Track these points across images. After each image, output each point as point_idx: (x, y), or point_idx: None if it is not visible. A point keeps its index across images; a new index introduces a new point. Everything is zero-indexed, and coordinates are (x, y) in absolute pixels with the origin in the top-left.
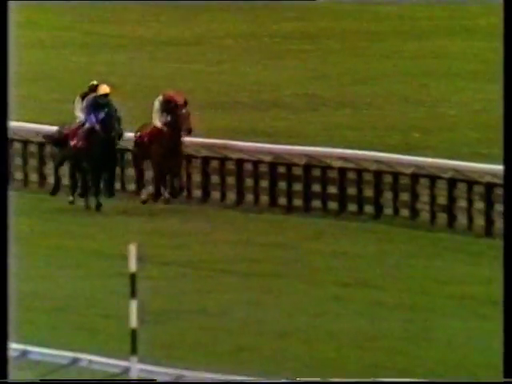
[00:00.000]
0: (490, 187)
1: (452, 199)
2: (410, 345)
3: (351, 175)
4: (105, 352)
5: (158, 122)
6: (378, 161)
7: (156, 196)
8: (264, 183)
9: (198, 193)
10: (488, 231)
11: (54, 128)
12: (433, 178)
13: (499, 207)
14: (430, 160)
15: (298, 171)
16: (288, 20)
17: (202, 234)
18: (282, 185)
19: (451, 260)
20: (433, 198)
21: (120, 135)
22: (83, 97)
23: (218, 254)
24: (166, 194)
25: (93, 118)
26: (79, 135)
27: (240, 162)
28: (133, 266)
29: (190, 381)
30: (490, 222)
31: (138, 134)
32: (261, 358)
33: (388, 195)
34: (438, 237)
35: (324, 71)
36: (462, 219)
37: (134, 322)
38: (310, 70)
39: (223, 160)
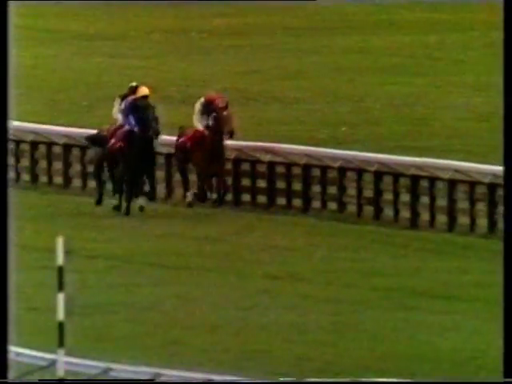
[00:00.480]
0: (415, 180)
1: (378, 192)
2: (338, 337)
3: (280, 169)
4: (32, 345)
5: (199, 124)
6: (306, 155)
7: (201, 198)
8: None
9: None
10: (413, 223)
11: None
12: (359, 172)
13: (425, 199)
14: (357, 153)
15: (227, 166)
16: (216, 15)
17: (131, 228)
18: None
19: (378, 252)
20: (360, 191)
21: (157, 134)
22: (122, 98)
23: (146, 247)
24: (212, 196)
25: (132, 120)
26: (118, 136)
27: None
28: (60, 259)
29: (195, 380)
30: (415, 214)
31: (180, 138)
32: (191, 351)
33: (316, 188)
34: (364, 229)
35: (253, 66)
36: (388, 212)
37: (61, 314)
38: (238, 65)
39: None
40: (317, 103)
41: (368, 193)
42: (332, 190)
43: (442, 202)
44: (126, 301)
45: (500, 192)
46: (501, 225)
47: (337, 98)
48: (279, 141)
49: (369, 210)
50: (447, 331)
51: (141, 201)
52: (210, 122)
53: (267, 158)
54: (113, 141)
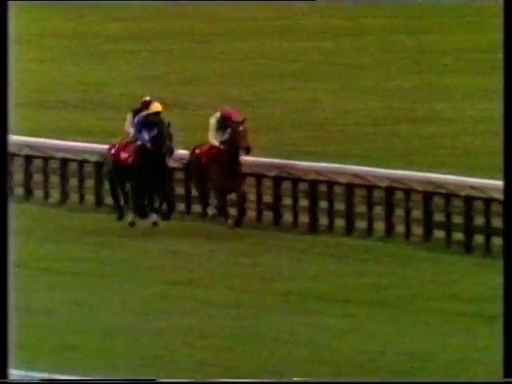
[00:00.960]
0: (313, 185)
1: (278, 197)
2: (237, 342)
3: (179, 175)
4: None
5: (215, 140)
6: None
7: (221, 213)
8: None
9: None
10: (312, 228)
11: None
12: (259, 177)
13: (323, 204)
14: (256, 159)
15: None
16: (113, 20)
17: (26, 233)
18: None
19: (277, 257)
20: (259, 196)
21: (171, 152)
22: (135, 113)
23: (42, 252)
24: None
25: (145, 136)
26: (130, 150)
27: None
28: None
29: (189, 380)
30: (314, 219)
31: (195, 152)
32: (87, 356)
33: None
34: (264, 235)
35: (150, 72)
36: (287, 217)
37: None
38: (135, 70)
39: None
40: (216, 109)
41: (267, 198)
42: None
43: (340, 206)
44: (21, 305)
45: (398, 195)
46: (399, 228)
47: (236, 103)
48: (178, 147)
49: (268, 215)
50: (346, 334)
51: (154, 217)
52: (226, 137)
53: (175, 164)
54: (125, 155)
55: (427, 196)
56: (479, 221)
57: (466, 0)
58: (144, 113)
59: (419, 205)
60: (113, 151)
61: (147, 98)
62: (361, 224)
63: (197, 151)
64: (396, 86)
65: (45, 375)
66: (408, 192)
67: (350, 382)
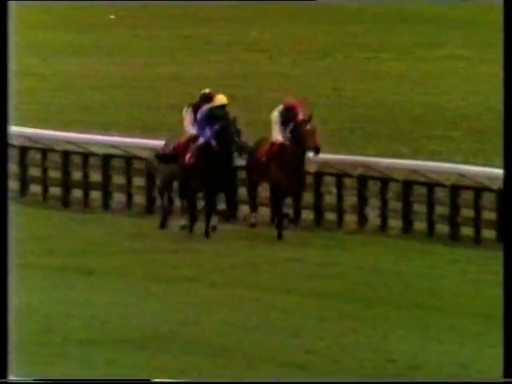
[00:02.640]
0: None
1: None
2: None
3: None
4: None
5: (278, 136)
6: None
7: (274, 220)
8: None
9: None
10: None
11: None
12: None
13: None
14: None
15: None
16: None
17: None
18: None
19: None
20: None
21: (241, 149)
22: (195, 107)
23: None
24: (286, 222)
25: (207, 132)
26: (192, 150)
27: None
28: None
29: (188, 380)
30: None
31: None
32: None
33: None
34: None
35: None
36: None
37: None
38: None
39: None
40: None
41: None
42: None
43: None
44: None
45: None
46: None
47: None
48: None
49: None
50: None
51: (213, 220)
52: (290, 134)
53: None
54: (188, 155)
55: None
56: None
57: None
58: (207, 106)
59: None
60: (171, 150)
61: (206, 91)
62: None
63: (256, 148)
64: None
65: None
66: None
67: (350, 382)
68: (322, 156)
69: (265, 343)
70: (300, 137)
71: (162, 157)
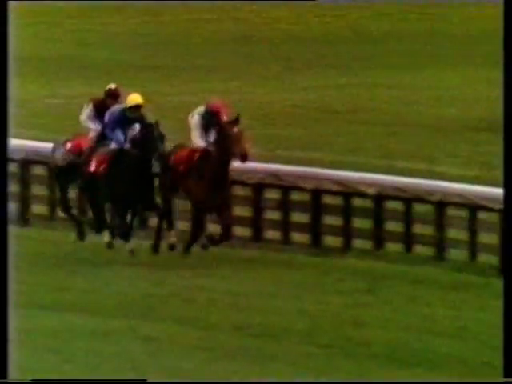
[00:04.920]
0: None
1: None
2: None
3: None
4: None
5: (199, 141)
6: None
7: (192, 241)
8: None
9: None
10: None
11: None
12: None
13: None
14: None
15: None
16: None
17: None
18: None
19: None
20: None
21: (163, 157)
22: (98, 104)
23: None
24: (204, 240)
25: (120, 136)
26: (99, 157)
27: None
28: None
29: (188, 380)
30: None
31: (171, 158)
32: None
33: None
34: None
35: None
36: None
37: None
38: None
39: None
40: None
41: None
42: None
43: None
44: None
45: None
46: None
47: None
48: None
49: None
50: None
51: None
52: (214, 139)
53: None
54: (93, 163)
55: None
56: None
57: None
58: (117, 107)
59: None
60: (69, 150)
61: (112, 86)
62: None
63: (172, 156)
64: None
65: None
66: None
67: (350, 382)
68: (274, 166)
69: None
70: (225, 142)
71: (63, 166)
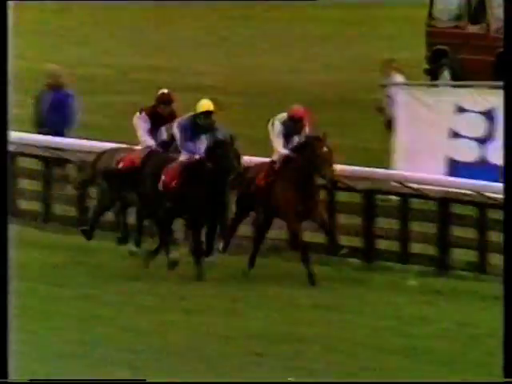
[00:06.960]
0: None
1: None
2: None
3: None
4: None
5: (282, 149)
6: None
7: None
8: None
9: None
10: None
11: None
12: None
13: None
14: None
15: None
16: None
17: None
18: None
19: None
20: None
21: (238, 172)
22: (151, 112)
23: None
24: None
25: (191, 147)
26: (171, 171)
27: None
28: None
29: (187, 380)
30: None
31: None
32: None
33: None
34: None
35: None
36: None
37: None
38: None
39: None
40: None
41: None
42: None
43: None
44: None
45: None
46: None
47: None
48: None
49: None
50: None
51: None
52: (297, 147)
53: None
54: (163, 178)
55: None
56: None
57: None
58: (189, 115)
59: None
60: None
61: (165, 91)
62: None
63: (248, 172)
64: None
65: None
66: None
67: (350, 381)
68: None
69: None
70: (313, 160)
71: (108, 174)
